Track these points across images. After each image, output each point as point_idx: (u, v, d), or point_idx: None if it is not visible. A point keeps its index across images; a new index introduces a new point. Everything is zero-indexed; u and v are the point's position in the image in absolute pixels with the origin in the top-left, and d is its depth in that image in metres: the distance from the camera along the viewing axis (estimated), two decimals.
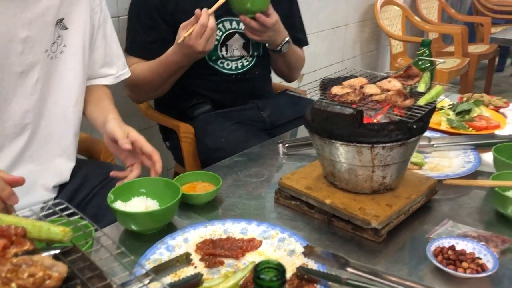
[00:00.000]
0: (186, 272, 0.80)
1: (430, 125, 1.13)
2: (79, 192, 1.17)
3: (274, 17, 1.43)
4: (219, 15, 1.48)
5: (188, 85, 1.60)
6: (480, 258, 0.81)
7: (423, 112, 0.91)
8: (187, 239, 0.90)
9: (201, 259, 0.84)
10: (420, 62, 1.43)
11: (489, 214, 1.00)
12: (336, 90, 0.97)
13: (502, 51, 4.67)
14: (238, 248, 0.86)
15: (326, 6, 2.95)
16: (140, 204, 0.96)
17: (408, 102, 0.93)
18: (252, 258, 0.85)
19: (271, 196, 1.06)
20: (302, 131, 1.45)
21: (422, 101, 0.94)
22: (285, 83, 1.94)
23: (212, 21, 1.32)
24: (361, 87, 0.98)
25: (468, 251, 0.83)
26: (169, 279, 0.78)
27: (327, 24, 3.02)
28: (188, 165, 1.62)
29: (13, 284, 0.48)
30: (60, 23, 1.10)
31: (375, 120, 0.95)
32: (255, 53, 1.63)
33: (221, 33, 1.55)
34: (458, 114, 1.45)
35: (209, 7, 1.33)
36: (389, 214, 0.92)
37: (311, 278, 0.76)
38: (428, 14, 3.98)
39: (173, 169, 1.95)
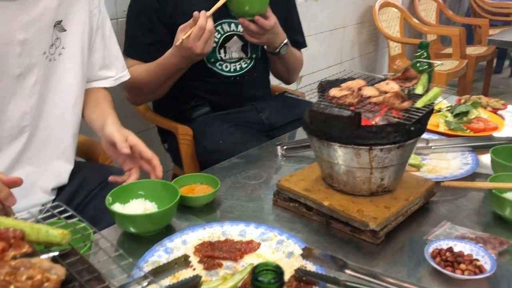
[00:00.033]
0: (184, 274, 0.80)
1: (428, 127, 1.13)
2: (78, 194, 1.17)
3: (272, 20, 1.44)
4: (217, 17, 1.48)
5: (186, 87, 1.60)
6: (478, 260, 0.82)
7: (420, 114, 0.91)
8: (185, 241, 0.90)
9: (200, 261, 0.84)
10: (418, 64, 1.44)
11: (486, 215, 1.00)
12: (334, 92, 0.97)
13: (500, 53, 4.69)
14: (236, 250, 0.86)
15: (325, 8, 2.96)
16: (139, 206, 0.96)
17: (406, 104, 0.93)
18: (250, 260, 0.85)
19: (270, 198, 1.06)
20: (301, 133, 1.45)
21: (420, 103, 0.95)
22: (283, 85, 1.94)
23: (210, 24, 1.33)
24: (359, 89, 0.98)
25: (466, 253, 0.83)
26: (167, 281, 0.78)
27: (325, 26, 3.03)
28: (186, 167, 1.62)
29: (12, 287, 0.48)
30: (59, 25, 1.10)
31: (373, 122, 0.96)
32: (254, 55, 1.63)
33: (219, 35, 1.55)
34: (456, 116, 1.46)
35: (207, 9, 1.33)
36: (387, 216, 0.92)
37: (309, 280, 0.76)
38: (426, 16, 3.99)
39: (172, 171, 1.95)
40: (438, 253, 0.84)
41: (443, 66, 3.32)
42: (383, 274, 0.78)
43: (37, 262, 0.51)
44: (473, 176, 1.15)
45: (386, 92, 0.96)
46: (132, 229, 0.92)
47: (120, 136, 1.04)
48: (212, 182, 1.07)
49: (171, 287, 0.73)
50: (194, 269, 0.83)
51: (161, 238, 0.89)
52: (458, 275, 0.79)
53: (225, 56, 1.58)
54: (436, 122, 1.44)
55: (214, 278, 0.80)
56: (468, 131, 1.40)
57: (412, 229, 0.96)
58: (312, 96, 1.00)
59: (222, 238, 0.91)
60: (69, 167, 1.19)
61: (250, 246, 0.88)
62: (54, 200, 1.16)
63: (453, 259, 0.82)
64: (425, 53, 1.50)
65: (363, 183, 0.96)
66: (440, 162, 1.23)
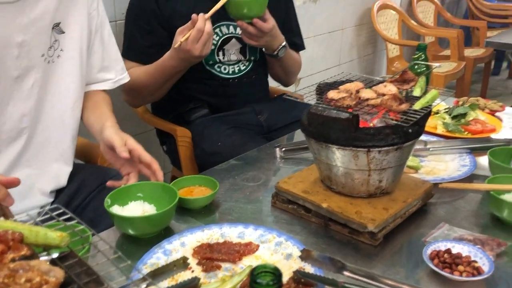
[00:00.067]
0: (183, 276, 0.80)
1: (426, 128, 1.14)
2: (76, 197, 1.17)
3: (271, 22, 1.44)
4: (216, 19, 1.49)
5: (185, 89, 1.60)
6: (476, 261, 0.82)
7: (418, 116, 0.92)
8: (184, 243, 0.90)
9: (198, 263, 0.84)
10: (416, 66, 1.44)
11: (484, 217, 1.01)
12: (332, 94, 0.98)
13: (498, 55, 4.70)
14: (235, 252, 0.86)
15: (323, 10, 2.97)
16: (137, 209, 0.96)
17: (404, 106, 0.93)
18: (249, 262, 0.85)
19: (268, 200, 1.07)
20: (299, 135, 1.45)
21: (417, 106, 0.95)
22: (282, 87, 1.95)
23: (208, 26, 1.33)
24: (357, 91, 0.98)
25: (464, 254, 0.84)
26: (166, 283, 0.78)
27: (324, 28, 3.04)
28: (185, 169, 1.63)
29: None
30: (57, 27, 1.10)
31: (371, 124, 0.96)
32: (252, 58, 1.64)
33: (218, 37, 1.56)
34: (454, 117, 1.46)
35: (206, 12, 1.34)
36: (386, 218, 0.92)
37: (308, 282, 0.76)
38: (424, 18, 4.00)
39: (170, 173, 1.95)
40: (436, 255, 0.84)
41: (441, 68, 3.33)
42: (381, 276, 0.78)
43: (35, 264, 0.51)
44: (471, 177, 1.15)
45: (384, 95, 0.96)
46: (130, 231, 0.92)
47: (119, 140, 1.03)
48: (210, 184, 1.07)
49: None
50: (192, 271, 0.83)
51: (160, 240, 0.89)
52: (456, 276, 0.79)
53: (223, 58, 1.59)
54: (434, 124, 1.44)
55: (213, 280, 0.80)
56: (466, 133, 1.41)
57: (410, 231, 0.96)
58: (310, 98, 1.00)
59: (221, 240, 0.91)
60: (68, 169, 1.19)
61: (248, 248, 0.88)
62: (52, 203, 1.16)
63: (451, 261, 0.82)
64: (423, 55, 1.50)
65: (361, 185, 0.96)
66: (438, 164, 1.24)
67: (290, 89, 2.00)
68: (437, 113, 1.50)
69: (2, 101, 1.04)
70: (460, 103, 1.57)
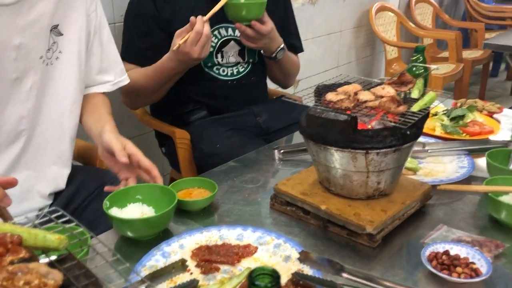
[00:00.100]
0: (182, 278, 0.80)
1: (425, 130, 1.14)
2: (75, 199, 1.17)
3: (269, 25, 1.44)
4: (214, 22, 1.49)
5: (183, 91, 1.60)
6: (474, 263, 0.82)
7: (416, 118, 0.92)
8: (182, 246, 0.90)
9: (197, 266, 0.84)
10: (414, 68, 1.44)
11: (482, 219, 1.01)
12: (330, 96, 0.98)
13: (496, 57, 4.72)
14: (233, 254, 0.86)
15: (321, 12, 2.97)
16: (136, 211, 0.96)
17: (402, 108, 0.93)
18: (248, 264, 0.85)
19: (267, 202, 1.07)
20: (298, 137, 1.46)
21: (415, 108, 0.95)
22: (280, 89, 1.95)
23: (207, 28, 1.33)
24: (355, 93, 0.99)
25: (462, 256, 0.84)
26: (165, 285, 0.78)
27: (322, 30, 3.04)
28: (184, 171, 1.63)
29: None
30: (55, 30, 1.09)
31: (369, 126, 0.96)
32: (251, 60, 1.64)
33: (216, 39, 1.56)
34: (452, 119, 1.46)
35: (204, 14, 1.34)
36: (384, 220, 0.92)
37: (306, 284, 0.76)
38: (423, 20, 4.01)
39: (169, 174, 1.95)
40: (434, 257, 0.84)
41: (439, 69, 3.34)
42: (380, 278, 0.78)
43: (34, 267, 0.51)
44: (469, 179, 1.16)
45: (382, 97, 0.96)
46: (129, 233, 0.92)
47: (118, 144, 1.03)
48: (209, 186, 1.08)
49: None
50: (191, 273, 0.83)
51: (159, 242, 0.90)
52: (454, 278, 0.80)
53: (222, 60, 1.59)
54: (433, 125, 1.45)
55: (212, 282, 0.80)
56: (464, 134, 1.41)
57: (408, 233, 0.96)
58: (309, 100, 1.01)
59: (220, 242, 0.91)
60: (66, 171, 1.19)
61: (247, 250, 0.88)
62: (51, 205, 1.16)
63: (450, 263, 0.82)
64: (421, 57, 1.50)
65: (359, 186, 0.97)
66: (437, 165, 1.24)
67: (289, 91, 2.01)
68: (435, 114, 1.50)
69: (0, 103, 1.04)
70: (458, 105, 1.57)
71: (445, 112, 1.51)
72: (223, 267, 0.84)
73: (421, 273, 0.84)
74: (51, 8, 1.07)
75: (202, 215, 1.03)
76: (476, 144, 1.31)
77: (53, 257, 0.58)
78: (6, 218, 0.83)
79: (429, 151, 1.28)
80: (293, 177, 1.08)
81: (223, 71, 1.61)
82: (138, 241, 0.93)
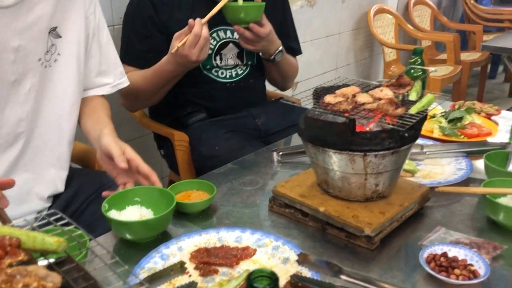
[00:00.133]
0: (180, 280, 0.80)
1: (423, 132, 1.14)
2: (74, 201, 1.17)
3: (267, 27, 1.45)
4: (213, 24, 1.49)
5: (182, 94, 1.60)
6: (472, 265, 0.82)
7: (414, 121, 0.92)
8: (181, 248, 0.90)
9: (196, 268, 0.84)
10: (412, 71, 1.45)
11: (480, 221, 1.01)
12: (329, 99, 0.98)
13: (494, 59, 4.73)
14: (232, 256, 0.86)
15: (320, 14, 2.98)
16: (135, 213, 0.96)
17: (400, 110, 0.94)
18: (246, 266, 0.85)
19: (265, 204, 1.07)
20: (296, 139, 1.46)
21: (413, 110, 0.96)
22: (279, 91, 1.95)
23: (205, 31, 1.33)
24: (354, 95, 0.99)
25: (460, 258, 0.84)
26: None
27: (321, 32, 3.05)
28: (182, 173, 1.63)
29: None
30: (54, 32, 1.09)
31: (367, 129, 0.97)
32: (249, 62, 1.64)
33: (215, 42, 1.56)
34: (450, 121, 1.47)
35: (203, 17, 1.34)
36: (382, 222, 0.92)
37: (305, 286, 0.76)
38: (421, 22, 4.02)
39: (168, 177, 1.95)
40: (432, 258, 0.84)
41: (438, 71, 3.34)
42: (378, 280, 0.78)
43: (33, 270, 0.51)
44: (467, 181, 1.16)
45: (380, 99, 0.97)
46: (128, 236, 0.92)
47: (117, 149, 1.02)
48: (208, 189, 1.08)
49: None
50: (190, 276, 0.83)
51: (157, 245, 0.90)
52: (452, 280, 0.80)
53: (221, 62, 1.59)
54: (431, 127, 1.45)
55: (210, 285, 0.80)
56: (462, 136, 1.41)
57: (407, 235, 0.97)
58: (307, 103, 1.01)
59: (218, 245, 0.91)
60: (64, 174, 1.19)
61: (246, 252, 0.88)
62: (50, 207, 1.16)
63: (448, 264, 0.82)
64: (419, 59, 1.51)
65: (358, 188, 0.97)
66: (435, 167, 1.24)
67: (288, 93, 2.01)
68: (433, 117, 1.50)
69: None
70: (456, 107, 1.58)
71: (443, 114, 1.51)
72: (221, 269, 0.84)
73: (419, 275, 0.84)
74: (49, 11, 1.07)
75: (201, 217, 1.03)
76: (474, 146, 1.31)
77: (52, 260, 0.58)
78: (5, 220, 0.83)
79: (427, 153, 1.28)
80: (292, 179, 1.09)
81: (222, 73, 1.61)
82: (137, 244, 0.93)
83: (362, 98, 0.98)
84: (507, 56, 3.23)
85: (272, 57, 1.56)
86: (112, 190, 1.04)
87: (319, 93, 1.03)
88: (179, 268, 0.78)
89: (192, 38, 1.32)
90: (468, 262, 0.83)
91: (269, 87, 1.85)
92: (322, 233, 0.97)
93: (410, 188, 1.04)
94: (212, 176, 1.22)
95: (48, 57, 1.10)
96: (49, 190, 1.16)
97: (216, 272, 0.83)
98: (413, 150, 1.25)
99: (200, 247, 0.90)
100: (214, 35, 1.55)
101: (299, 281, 0.76)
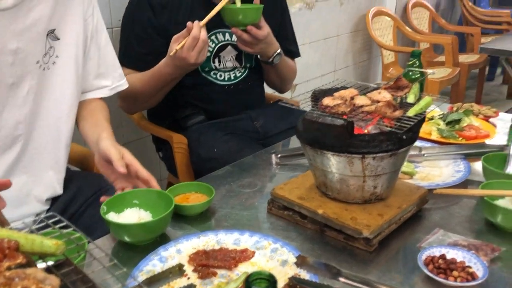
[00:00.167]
0: (179, 283, 0.80)
1: (421, 134, 1.15)
2: (72, 204, 1.17)
3: (265, 30, 1.45)
4: (212, 27, 1.50)
5: (181, 96, 1.60)
6: (470, 267, 0.82)
7: (412, 123, 0.92)
8: (180, 250, 0.90)
9: (194, 270, 0.84)
10: (410, 73, 1.45)
11: (478, 223, 1.01)
12: (327, 101, 0.98)
13: (492, 61, 4.74)
14: (231, 259, 0.86)
15: (319, 17, 2.98)
16: (133, 216, 0.96)
17: (398, 113, 0.94)
18: (245, 268, 0.85)
19: (264, 207, 1.07)
20: (295, 141, 1.46)
21: (411, 112, 0.96)
22: (278, 94, 1.95)
23: (204, 34, 1.34)
24: (352, 98, 0.99)
25: (458, 260, 0.84)
26: None
27: (319, 35, 3.06)
28: (181, 175, 1.63)
29: None
30: (52, 34, 1.09)
31: (365, 131, 0.97)
32: (248, 65, 1.65)
33: (213, 44, 1.56)
34: (448, 123, 1.47)
35: (201, 19, 1.35)
36: (381, 224, 0.92)
37: None
38: (419, 25, 4.03)
39: (166, 179, 1.95)
40: (431, 260, 0.84)
41: (436, 74, 3.35)
42: (376, 282, 0.78)
43: (31, 272, 0.51)
44: (465, 183, 1.16)
45: (378, 101, 0.97)
46: (126, 238, 0.92)
47: (116, 153, 1.01)
48: (206, 191, 1.08)
49: None
50: (188, 278, 0.83)
51: (156, 247, 0.90)
52: (450, 282, 0.80)
53: (219, 65, 1.59)
54: (429, 130, 1.45)
55: (209, 287, 0.81)
56: (460, 138, 1.42)
57: (405, 237, 0.97)
58: (306, 105, 1.01)
59: (217, 247, 0.91)
60: (62, 176, 1.19)
61: (244, 255, 0.88)
62: (48, 210, 1.16)
63: (446, 266, 0.82)
64: (417, 61, 1.51)
65: (356, 191, 0.97)
66: (433, 169, 1.25)
67: (286, 95, 2.01)
68: (431, 119, 1.51)
69: None
70: (455, 109, 1.58)
71: (441, 116, 1.51)
72: (220, 272, 0.84)
73: (418, 277, 0.84)
74: (48, 13, 1.07)
75: (199, 219, 1.03)
76: (472, 148, 1.31)
77: (50, 263, 0.58)
78: (3, 223, 0.83)
79: (425, 155, 1.28)
80: (290, 181, 1.09)
81: (220, 76, 1.61)
82: (135, 246, 0.93)
83: (360, 100, 0.98)
84: (505, 58, 3.24)
85: (271, 59, 1.57)
86: (110, 194, 1.04)
87: (317, 96, 1.04)
88: (178, 270, 0.79)
89: (191, 41, 1.32)
90: (466, 264, 0.83)
91: (268, 90, 1.86)
92: (321, 235, 0.97)
93: (408, 190, 1.04)
94: (211, 178, 1.22)
95: (47, 60, 1.10)
96: (48, 192, 1.16)
97: (214, 274, 0.83)
98: (411, 152, 1.25)
99: (199, 250, 0.90)
100: (213, 37, 1.56)
101: (298, 283, 0.76)
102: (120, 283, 0.61)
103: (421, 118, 0.96)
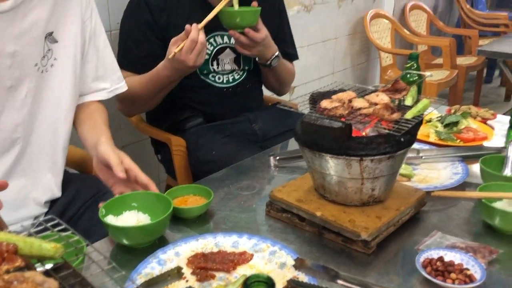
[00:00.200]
0: (177, 286, 0.80)
1: (419, 137, 1.15)
2: (71, 207, 1.17)
3: (263, 32, 1.45)
4: (210, 29, 1.50)
5: (179, 99, 1.61)
6: (468, 269, 0.83)
7: (410, 126, 0.93)
8: (178, 253, 0.90)
9: (193, 273, 0.84)
10: (408, 75, 1.46)
11: (476, 225, 1.02)
12: (325, 104, 0.99)
13: (490, 63, 4.76)
14: (229, 261, 0.86)
15: (317, 19, 2.99)
16: (132, 218, 0.96)
17: (396, 115, 0.94)
18: (243, 271, 0.85)
19: (262, 209, 1.07)
20: (293, 144, 1.46)
21: (409, 115, 0.96)
22: (276, 96, 1.96)
23: (202, 36, 1.34)
24: (350, 101, 1.00)
25: (456, 262, 0.84)
26: None
27: (317, 37, 3.06)
28: (180, 178, 1.63)
29: None
30: (50, 37, 1.09)
31: (363, 134, 0.97)
32: (246, 67, 1.65)
33: (212, 47, 1.57)
34: (446, 126, 1.47)
35: (199, 22, 1.35)
36: (379, 226, 0.93)
37: None
38: (417, 27, 4.04)
39: (165, 182, 1.95)
40: (429, 263, 0.84)
41: (434, 76, 3.36)
42: (375, 284, 0.79)
43: (30, 276, 0.51)
44: (463, 185, 1.16)
45: (376, 104, 0.97)
46: (125, 241, 0.92)
47: (115, 158, 1.01)
48: (205, 193, 1.08)
49: None
50: (187, 281, 0.83)
51: (154, 250, 0.90)
52: (448, 284, 0.80)
53: (217, 68, 1.60)
54: (427, 132, 1.46)
55: None
56: (458, 141, 1.42)
57: (403, 239, 0.97)
58: (304, 108, 1.01)
59: (215, 250, 0.91)
60: (60, 178, 1.19)
61: (243, 258, 0.88)
62: (47, 213, 1.15)
63: (444, 269, 0.82)
64: (415, 64, 1.52)
65: (354, 193, 0.97)
66: (431, 172, 1.25)
67: (285, 97, 2.02)
68: (429, 121, 1.51)
69: None
70: (452, 111, 1.59)
71: (439, 118, 1.52)
72: (218, 275, 0.84)
73: (416, 279, 0.84)
74: (46, 15, 1.06)
75: (198, 222, 1.04)
76: (470, 150, 1.32)
77: (49, 266, 0.58)
78: (1, 226, 0.83)
79: (423, 157, 1.29)
80: (289, 184, 1.09)
81: (219, 78, 1.61)
82: (134, 249, 0.93)
83: (358, 103, 0.98)
84: (502, 60, 3.25)
85: (269, 62, 1.57)
86: (108, 198, 1.03)
87: (315, 98, 1.04)
88: (176, 273, 0.79)
89: (189, 44, 1.33)
90: (464, 266, 0.83)
91: (266, 92, 1.86)
92: (319, 237, 0.97)
93: (407, 193, 1.04)
94: (209, 181, 1.23)
95: (45, 62, 1.09)
96: (46, 195, 1.15)
97: (213, 277, 0.83)
98: (409, 155, 1.25)
99: (197, 252, 0.90)
100: (211, 40, 1.56)
101: (296, 286, 0.76)
102: (119, 286, 0.61)
103: (418, 121, 0.96)
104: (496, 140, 1.45)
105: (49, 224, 0.67)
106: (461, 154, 1.29)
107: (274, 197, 1.04)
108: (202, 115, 1.63)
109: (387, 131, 0.93)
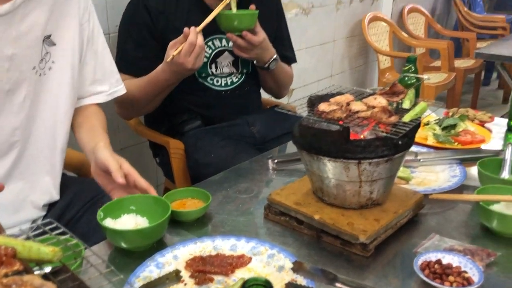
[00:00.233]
0: None
1: (417, 139, 1.15)
2: (69, 210, 1.17)
3: (261, 35, 1.46)
4: (208, 33, 1.50)
5: (178, 101, 1.61)
6: (466, 272, 0.83)
7: (408, 129, 0.93)
8: (176, 256, 0.90)
9: (191, 276, 0.84)
10: (406, 78, 1.46)
11: (474, 228, 1.02)
12: (323, 107, 0.99)
13: (488, 66, 4.77)
14: (227, 264, 0.86)
15: (315, 22, 3.00)
16: (130, 222, 0.96)
17: (393, 118, 0.95)
18: (241, 274, 0.85)
19: (261, 212, 1.07)
20: (291, 147, 1.46)
21: (407, 118, 0.97)
22: (274, 99, 1.96)
23: (200, 39, 1.34)
24: (348, 104, 1.00)
25: (454, 265, 0.84)
26: None
27: (316, 40, 3.07)
28: (178, 180, 1.63)
29: None
30: (48, 40, 1.09)
31: (361, 137, 0.97)
32: (244, 70, 1.65)
33: (210, 50, 1.57)
34: (444, 129, 1.48)
35: (198, 25, 1.35)
36: (377, 229, 0.93)
37: None
38: (415, 30, 4.06)
39: (163, 185, 1.95)
40: (427, 265, 0.85)
41: (432, 79, 3.37)
42: (373, 287, 0.79)
43: (28, 279, 0.51)
44: (461, 188, 1.17)
45: (374, 107, 0.98)
46: (123, 244, 0.92)
47: (114, 163, 1.01)
48: (203, 197, 1.08)
49: None
50: (185, 284, 0.83)
51: (153, 253, 0.90)
52: (446, 287, 0.80)
53: (216, 71, 1.60)
54: (425, 135, 1.46)
55: None
56: (456, 144, 1.42)
57: (401, 242, 0.97)
58: (302, 111, 1.02)
59: (213, 253, 0.91)
60: (58, 181, 1.19)
61: (241, 261, 0.88)
62: (45, 216, 1.15)
63: (442, 271, 0.83)
64: (413, 67, 1.52)
65: (352, 196, 0.97)
66: (429, 174, 1.25)
67: (283, 100, 2.02)
68: (427, 124, 1.51)
69: None
70: (450, 114, 1.59)
71: (437, 121, 1.52)
72: (217, 278, 0.84)
73: (414, 282, 0.84)
74: (44, 18, 1.06)
75: (196, 225, 1.03)
76: (467, 153, 1.32)
77: (47, 269, 0.58)
78: (0, 231, 0.83)
79: (421, 160, 1.29)
80: (287, 187, 1.09)
81: (217, 81, 1.62)
82: (132, 252, 0.93)
83: (356, 106, 0.98)
84: (500, 63, 3.26)
85: (267, 65, 1.57)
86: (106, 202, 1.04)
87: (313, 101, 1.04)
88: (175, 276, 0.79)
89: (187, 47, 1.33)
90: (462, 269, 0.84)
91: (265, 95, 1.86)
92: (317, 240, 0.97)
93: (405, 196, 1.05)
94: (208, 184, 1.23)
95: (43, 65, 1.09)
96: (44, 198, 1.15)
97: (211, 280, 0.83)
98: (407, 158, 1.26)
99: (196, 256, 0.90)
100: (210, 43, 1.56)
101: None
102: None
103: (416, 124, 0.97)
104: (494, 142, 1.45)
105: (47, 228, 0.67)
106: (459, 157, 1.30)
107: (272, 200, 1.04)
108: (200, 118, 1.63)
109: (385, 134, 0.93)
